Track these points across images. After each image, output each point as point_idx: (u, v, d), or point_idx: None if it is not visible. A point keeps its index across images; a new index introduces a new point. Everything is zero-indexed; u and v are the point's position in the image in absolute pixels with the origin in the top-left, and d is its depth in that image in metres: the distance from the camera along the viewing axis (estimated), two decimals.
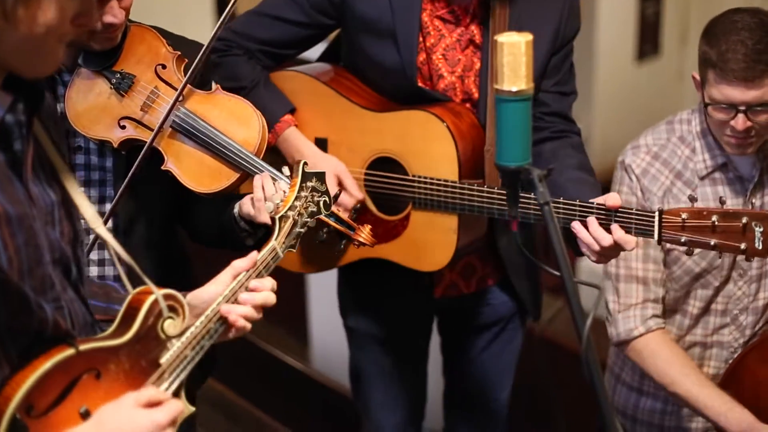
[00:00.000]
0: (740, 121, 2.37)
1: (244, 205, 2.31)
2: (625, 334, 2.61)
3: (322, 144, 2.69)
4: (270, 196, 2.24)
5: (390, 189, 2.64)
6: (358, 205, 2.55)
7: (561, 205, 2.36)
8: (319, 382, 4.36)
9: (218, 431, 4.11)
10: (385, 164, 2.65)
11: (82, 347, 1.57)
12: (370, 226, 2.43)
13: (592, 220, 2.32)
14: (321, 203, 2.16)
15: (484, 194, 2.50)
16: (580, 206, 2.35)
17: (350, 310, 2.98)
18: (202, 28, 3.51)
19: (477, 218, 2.61)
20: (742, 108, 2.36)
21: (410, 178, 2.60)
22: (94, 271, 2.37)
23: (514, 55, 1.70)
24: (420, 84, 2.62)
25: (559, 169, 2.52)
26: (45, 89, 1.61)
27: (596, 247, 2.31)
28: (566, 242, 2.46)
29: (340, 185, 2.58)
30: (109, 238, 1.70)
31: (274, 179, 2.29)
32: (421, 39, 2.59)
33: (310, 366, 4.55)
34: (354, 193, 2.59)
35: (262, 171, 2.30)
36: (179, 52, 2.36)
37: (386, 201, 2.67)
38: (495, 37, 1.72)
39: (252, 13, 2.72)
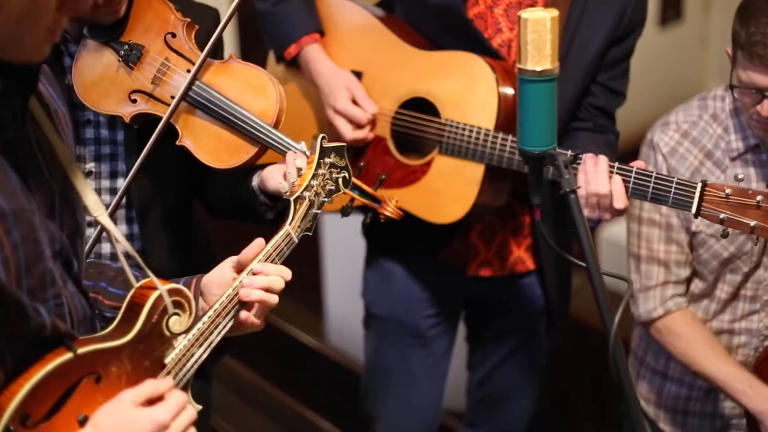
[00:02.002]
0: (765, 107, 2.28)
1: (268, 181, 2.21)
2: (645, 315, 2.56)
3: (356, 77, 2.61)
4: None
5: (418, 130, 2.55)
6: (383, 176, 2.44)
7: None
8: (334, 360, 4.30)
9: (230, 408, 4.06)
10: (417, 107, 2.55)
11: (81, 350, 1.47)
12: (396, 199, 2.33)
13: (617, 178, 2.21)
14: (340, 180, 2.03)
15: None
16: (619, 168, 2.25)
17: (377, 296, 2.86)
18: None
19: (503, 178, 2.51)
20: None
21: (442, 120, 2.51)
22: (106, 248, 2.29)
23: (539, 32, 1.61)
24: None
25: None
26: (40, 68, 1.51)
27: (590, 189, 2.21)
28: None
29: (354, 101, 2.52)
30: (111, 227, 1.61)
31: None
32: None
33: (325, 342, 4.50)
34: (367, 107, 2.53)
35: (280, 143, 2.20)
36: (189, 19, 2.26)
37: (411, 143, 2.58)
38: (519, 13, 1.63)
39: None
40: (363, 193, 2.27)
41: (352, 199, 2.26)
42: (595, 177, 2.22)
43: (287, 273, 1.81)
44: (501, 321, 2.87)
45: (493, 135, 2.45)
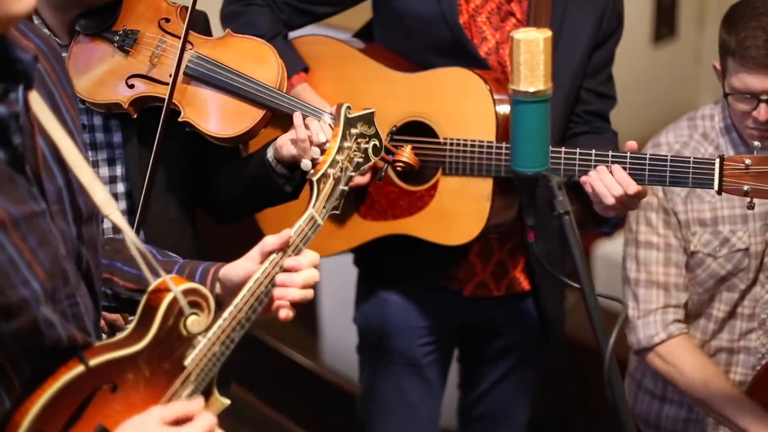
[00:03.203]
0: (762, 111, 2.27)
1: (283, 148, 2.16)
2: (645, 341, 2.51)
3: None
4: (316, 134, 2.07)
5: (418, 155, 2.48)
6: (395, 127, 2.39)
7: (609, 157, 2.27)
8: (329, 380, 4.28)
9: (224, 429, 4.03)
10: (413, 130, 2.51)
11: (93, 362, 1.44)
12: (411, 146, 2.28)
13: (617, 167, 2.22)
14: (370, 149, 1.90)
15: None
16: (632, 157, 2.24)
17: (370, 324, 2.82)
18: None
19: (511, 190, 2.46)
20: (764, 97, 2.26)
21: (441, 141, 2.46)
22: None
23: (532, 53, 1.61)
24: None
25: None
26: (34, 58, 1.45)
27: (619, 193, 2.20)
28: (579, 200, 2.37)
29: None
30: (124, 225, 1.53)
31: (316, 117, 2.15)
32: (464, 1, 2.50)
33: (320, 361, 4.47)
34: None
35: (287, 104, 2.17)
36: (180, 5, 2.25)
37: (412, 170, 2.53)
38: (511, 34, 1.62)
39: None
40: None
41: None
42: (608, 182, 2.21)
43: (317, 258, 1.75)
44: (496, 342, 2.84)
45: (496, 146, 2.41)
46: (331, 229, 2.60)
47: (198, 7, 2.25)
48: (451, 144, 2.45)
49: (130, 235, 1.53)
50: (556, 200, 1.62)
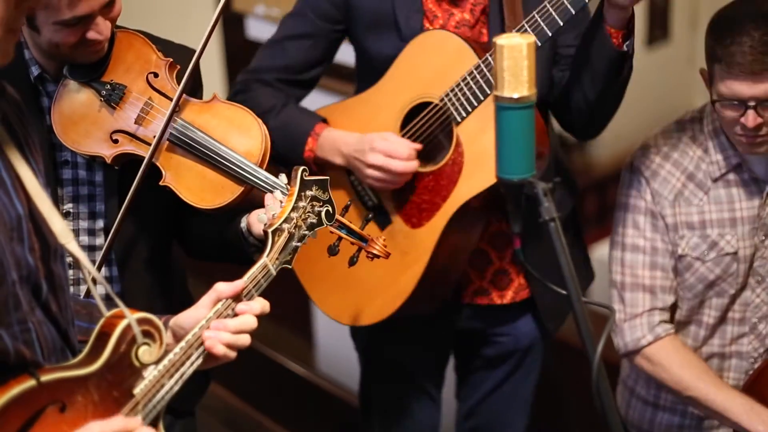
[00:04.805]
0: (750, 118, 2.26)
1: (253, 226, 2.17)
2: (632, 343, 2.50)
3: None
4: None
5: (428, 128, 2.49)
6: (370, 215, 2.42)
7: None
8: (324, 388, 4.27)
9: None
10: (417, 115, 2.52)
11: (45, 378, 1.46)
12: (383, 238, 2.30)
13: None
14: (323, 213, 2.02)
15: None
16: None
17: (364, 332, 2.82)
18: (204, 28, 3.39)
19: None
20: (752, 104, 2.25)
21: (437, 99, 2.46)
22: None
23: (515, 58, 1.60)
24: None
25: None
26: (2, 86, 1.50)
27: None
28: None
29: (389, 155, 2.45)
30: (80, 255, 1.58)
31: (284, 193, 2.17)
32: (428, 25, 2.51)
33: (315, 369, 4.47)
34: (410, 143, 2.46)
35: (266, 184, 2.17)
36: (171, 59, 2.24)
37: (433, 149, 2.53)
38: (494, 39, 1.62)
39: (261, 48, 2.67)
40: (350, 231, 2.24)
41: (339, 238, 2.24)
42: None
43: (264, 307, 1.80)
44: (491, 351, 2.83)
45: (483, 61, 2.39)
46: (399, 261, 2.54)
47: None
48: (447, 92, 2.45)
49: (85, 264, 1.57)
50: (542, 207, 1.61)
